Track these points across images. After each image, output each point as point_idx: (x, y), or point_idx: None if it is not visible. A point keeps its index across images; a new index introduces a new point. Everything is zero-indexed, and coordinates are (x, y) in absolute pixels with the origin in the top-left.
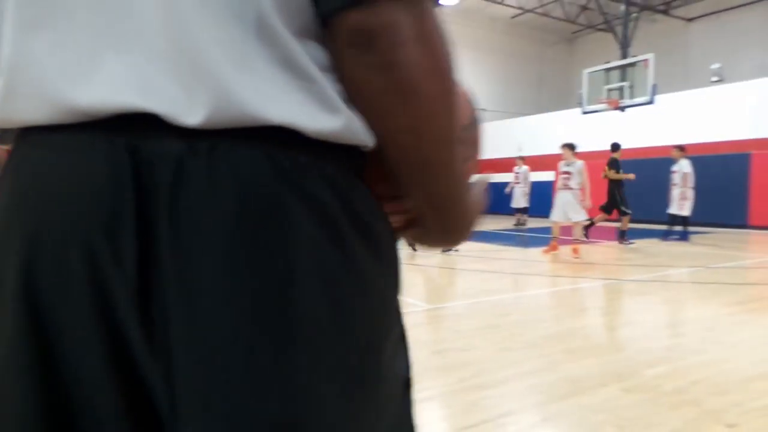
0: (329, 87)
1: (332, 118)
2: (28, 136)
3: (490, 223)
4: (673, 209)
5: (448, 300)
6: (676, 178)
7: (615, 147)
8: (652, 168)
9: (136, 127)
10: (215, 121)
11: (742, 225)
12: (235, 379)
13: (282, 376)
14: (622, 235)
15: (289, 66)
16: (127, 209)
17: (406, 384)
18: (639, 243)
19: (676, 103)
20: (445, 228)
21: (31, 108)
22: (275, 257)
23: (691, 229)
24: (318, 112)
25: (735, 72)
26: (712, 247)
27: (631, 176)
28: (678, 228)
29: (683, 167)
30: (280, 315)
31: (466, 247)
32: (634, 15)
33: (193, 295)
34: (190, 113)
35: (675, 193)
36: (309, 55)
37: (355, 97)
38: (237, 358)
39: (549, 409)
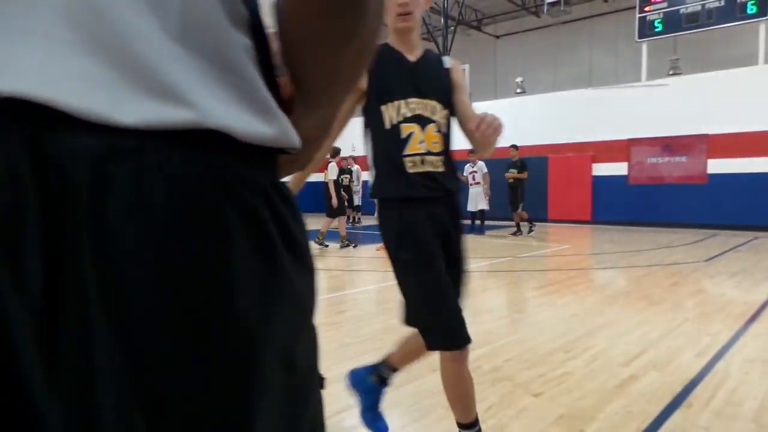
0: (262, 86)
1: (267, 123)
2: None
3: (327, 222)
4: (471, 206)
5: None
6: (477, 177)
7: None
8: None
9: (38, 121)
10: (143, 119)
11: (544, 219)
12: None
13: (234, 408)
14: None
15: (222, 60)
16: (29, 218)
17: (319, 379)
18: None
19: (488, 111)
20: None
21: None
22: (214, 275)
23: (501, 223)
24: (253, 114)
25: (534, 86)
26: (518, 239)
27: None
28: (478, 222)
29: (482, 168)
30: (223, 333)
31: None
32: (452, 28)
33: (127, 321)
34: (114, 109)
35: (473, 191)
36: (242, 48)
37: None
38: (186, 383)
39: (386, 399)
